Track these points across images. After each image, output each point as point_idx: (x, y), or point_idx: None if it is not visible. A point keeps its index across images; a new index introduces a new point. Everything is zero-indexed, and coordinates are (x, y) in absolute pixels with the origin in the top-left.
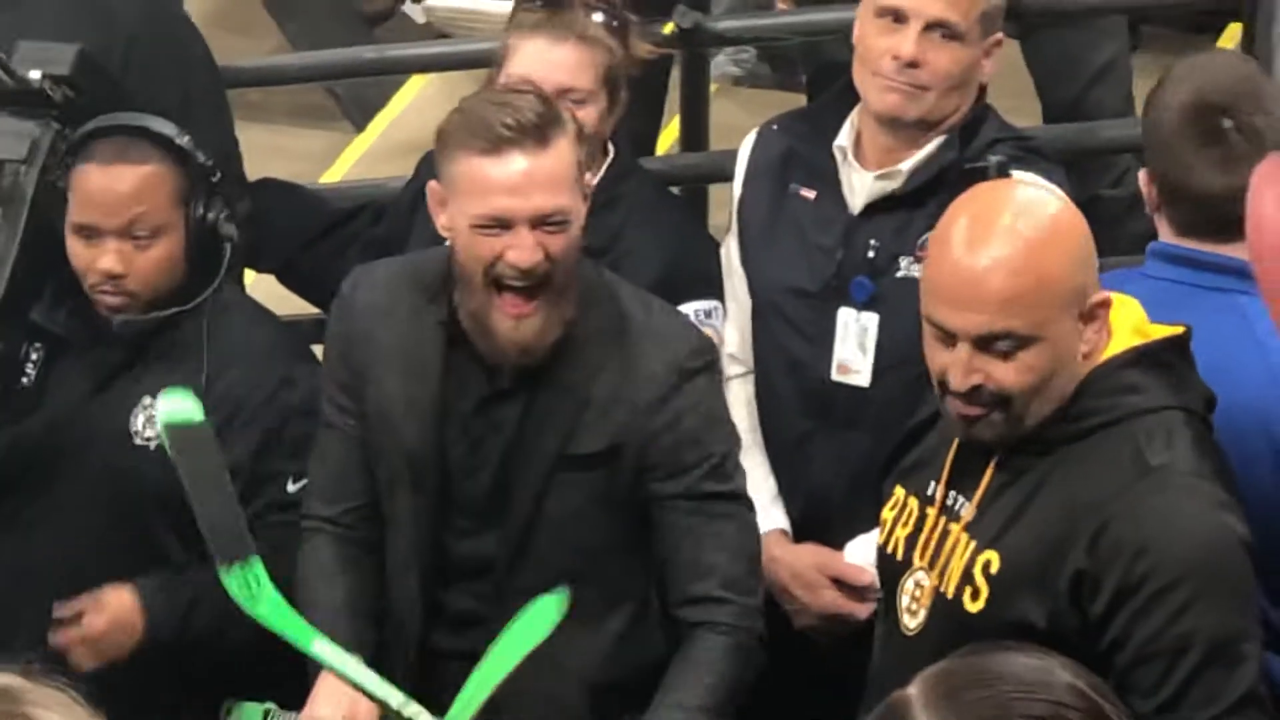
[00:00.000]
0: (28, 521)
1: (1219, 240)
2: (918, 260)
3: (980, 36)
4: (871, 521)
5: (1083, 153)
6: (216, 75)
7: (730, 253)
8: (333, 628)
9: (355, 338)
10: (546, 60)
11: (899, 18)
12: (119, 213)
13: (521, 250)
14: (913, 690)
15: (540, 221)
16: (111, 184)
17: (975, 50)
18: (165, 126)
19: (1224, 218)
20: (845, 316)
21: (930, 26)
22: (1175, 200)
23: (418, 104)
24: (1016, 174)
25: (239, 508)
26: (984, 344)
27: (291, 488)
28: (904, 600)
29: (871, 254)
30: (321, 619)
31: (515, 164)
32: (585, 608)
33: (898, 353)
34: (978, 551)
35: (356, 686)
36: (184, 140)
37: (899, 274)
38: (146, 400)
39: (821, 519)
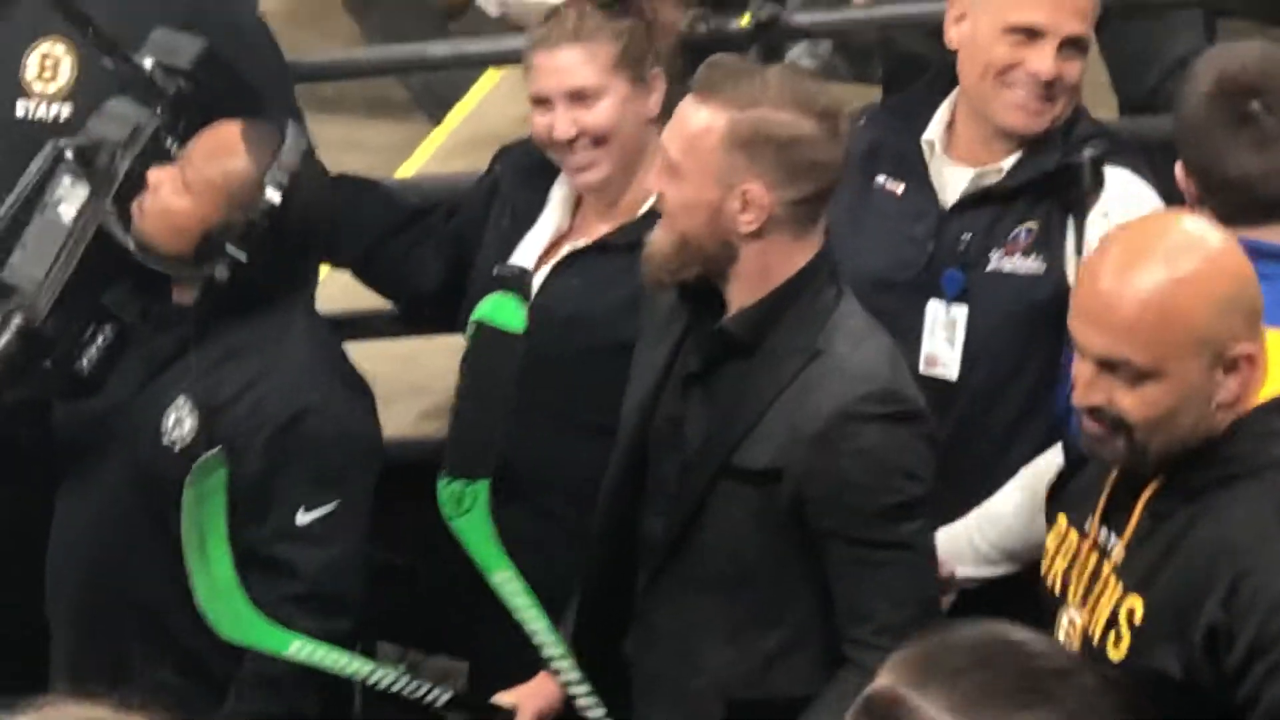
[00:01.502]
0: (73, 500)
1: (1265, 224)
2: (1009, 254)
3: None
4: (955, 513)
5: (1163, 145)
6: (282, 70)
7: None
8: None
9: (642, 306)
10: (548, 72)
11: (1033, 33)
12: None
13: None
14: (894, 682)
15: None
16: (213, 130)
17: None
18: (291, 155)
19: (1266, 200)
20: (934, 309)
21: (1066, 43)
22: (1213, 189)
23: (492, 97)
24: (1110, 170)
25: (499, 431)
26: (1107, 366)
27: (302, 518)
28: (1060, 635)
29: (963, 247)
30: None
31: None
32: (735, 621)
33: (986, 347)
34: (1124, 595)
35: (519, 618)
36: (280, 175)
37: (989, 268)
38: (179, 400)
39: None
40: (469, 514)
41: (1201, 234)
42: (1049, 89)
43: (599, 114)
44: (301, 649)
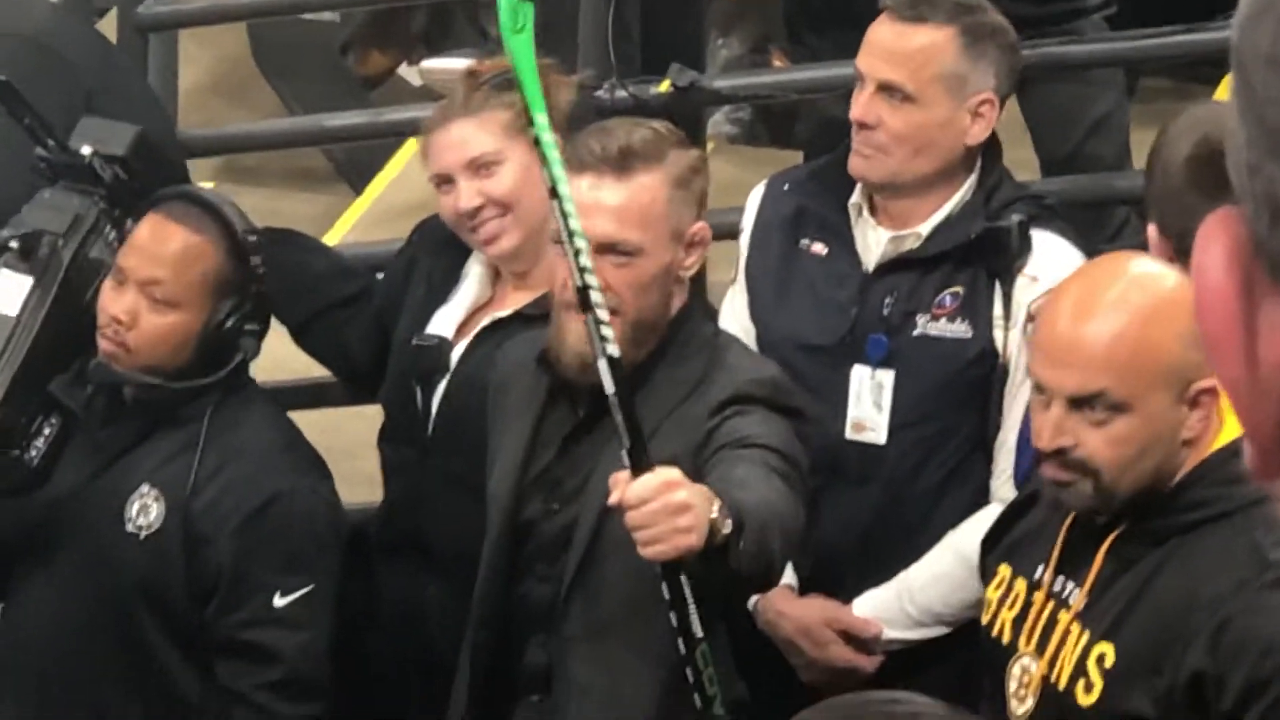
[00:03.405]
0: (24, 595)
1: None
2: (934, 318)
3: (945, 97)
4: (881, 578)
5: (1090, 205)
6: (172, 129)
7: (736, 308)
8: None
9: (494, 394)
10: (443, 148)
11: (861, 79)
12: (146, 267)
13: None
14: None
15: (603, 248)
16: (156, 237)
17: (937, 112)
18: (239, 219)
19: None
20: (860, 374)
21: (882, 88)
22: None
23: (414, 166)
24: (1036, 233)
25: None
26: (1077, 405)
27: (279, 602)
28: (1011, 685)
29: (886, 311)
30: None
31: (585, 187)
32: (650, 641)
33: (913, 410)
34: (1091, 643)
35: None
36: (250, 239)
37: (915, 332)
38: (144, 488)
39: (834, 576)
40: (522, 31)
41: (1157, 272)
42: (869, 135)
43: (501, 180)
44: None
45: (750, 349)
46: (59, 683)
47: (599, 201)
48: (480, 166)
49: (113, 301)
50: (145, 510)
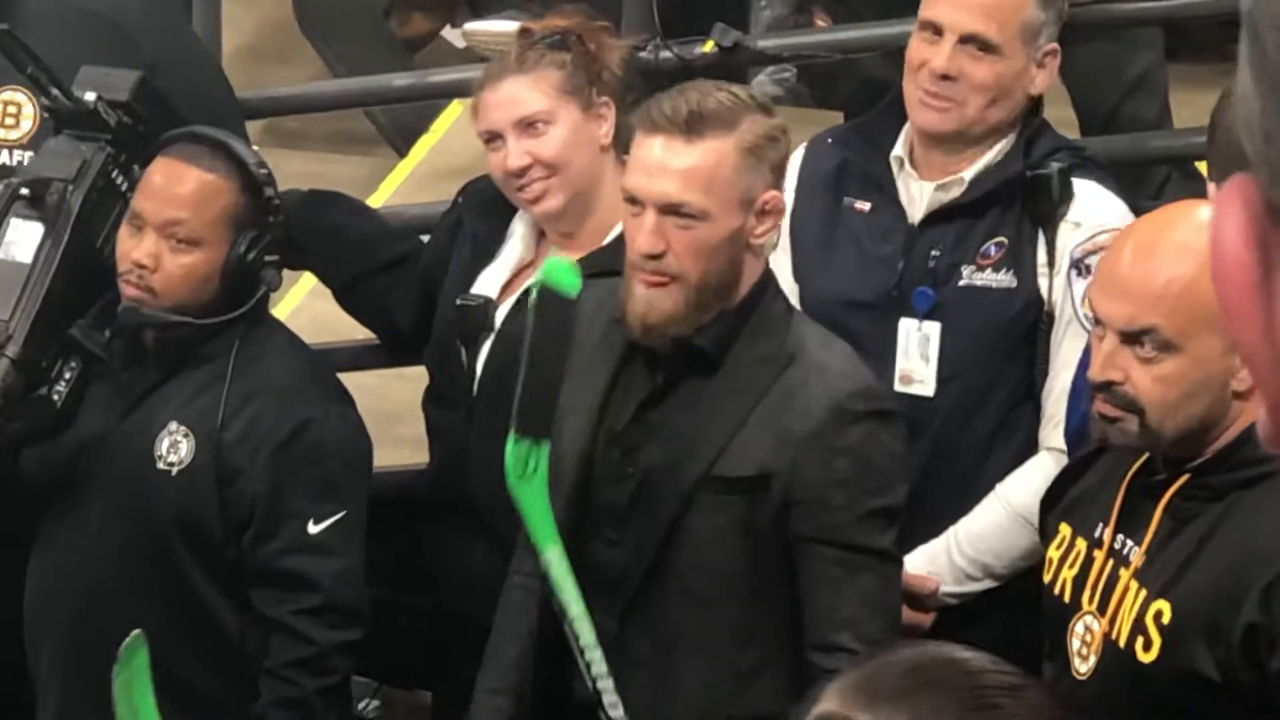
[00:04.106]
0: (56, 540)
1: None
2: (980, 268)
3: (1022, 48)
4: (932, 530)
5: (1129, 164)
6: (232, 95)
7: (781, 268)
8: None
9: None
10: (494, 106)
11: (937, 31)
12: (164, 210)
13: (642, 233)
14: (841, 707)
15: (667, 209)
16: (170, 180)
17: (1016, 62)
18: (248, 153)
19: None
20: (907, 327)
21: (965, 39)
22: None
23: (458, 129)
24: (1077, 181)
25: (558, 394)
26: (1129, 340)
27: (313, 529)
28: (1074, 644)
29: (932, 264)
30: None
31: (655, 148)
32: (713, 638)
33: (960, 361)
34: (1149, 600)
35: (558, 604)
36: (261, 172)
37: (960, 283)
38: (172, 425)
39: None
40: (533, 477)
41: None
42: (947, 85)
43: (550, 141)
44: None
45: (825, 332)
46: (96, 623)
47: (666, 163)
48: (529, 125)
49: (133, 247)
50: (175, 447)
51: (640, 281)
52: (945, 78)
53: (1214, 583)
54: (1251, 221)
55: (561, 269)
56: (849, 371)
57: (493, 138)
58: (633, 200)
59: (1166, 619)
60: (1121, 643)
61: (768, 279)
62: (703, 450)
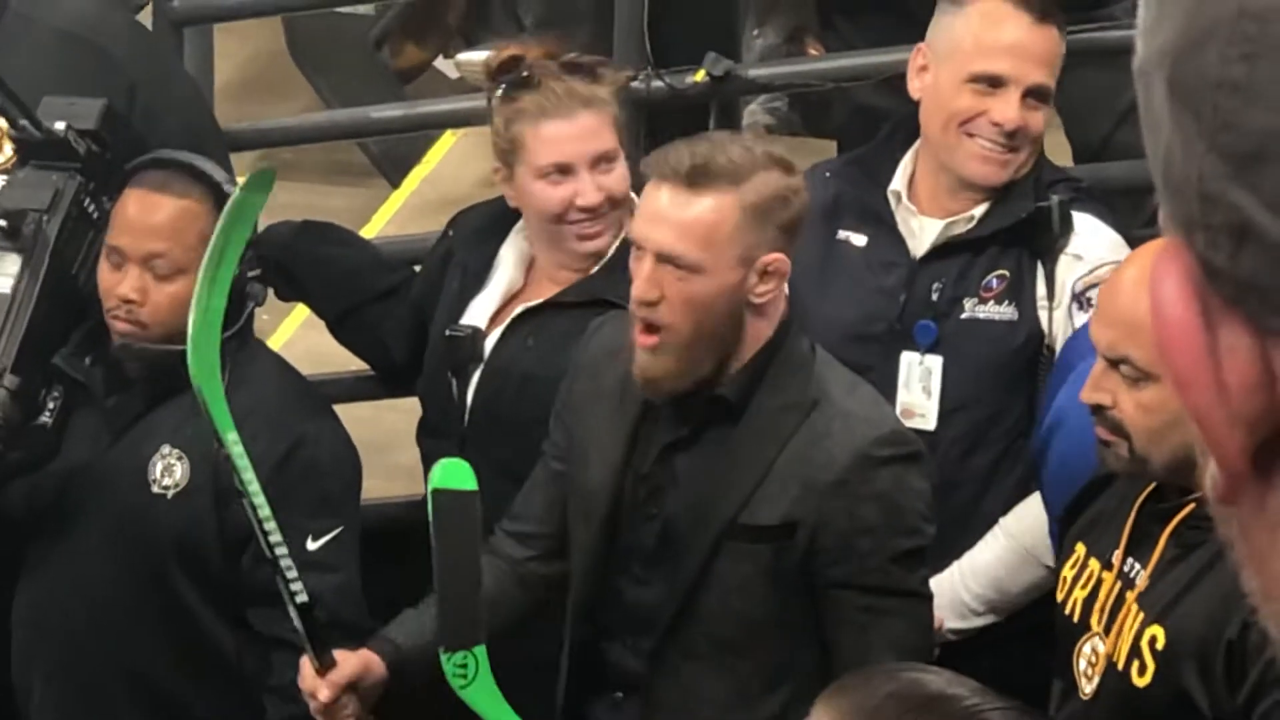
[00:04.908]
0: (48, 567)
1: None
2: (982, 301)
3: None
4: (934, 563)
5: (1122, 192)
6: (214, 119)
7: None
8: None
9: (582, 373)
10: (569, 139)
11: (995, 83)
12: (145, 242)
13: (638, 278)
14: None
15: (663, 259)
16: (145, 212)
17: (1048, 108)
18: (215, 171)
19: None
20: (909, 360)
21: (1028, 93)
22: None
23: (451, 159)
24: (1076, 214)
25: (480, 592)
26: (1113, 364)
27: (312, 545)
28: (1080, 664)
29: (935, 297)
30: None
31: (658, 195)
32: (742, 683)
33: (963, 394)
34: (1145, 625)
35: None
36: (230, 188)
37: (963, 316)
38: (165, 449)
39: None
40: (476, 680)
41: None
42: (1011, 139)
43: (617, 177)
44: (235, 443)
45: (849, 374)
46: (91, 651)
47: (667, 213)
48: (602, 160)
49: (117, 282)
50: (169, 470)
51: (638, 331)
52: (1012, 132)
53: (1207, 612)
54: (1189, 285)
55: (452, 469)
56: (873, 417)
57: (560, 170)
58: (636, 245)
59: (1160, 644)
60: (1120, 665)
61: (789, 321)
62: (728, 498)
